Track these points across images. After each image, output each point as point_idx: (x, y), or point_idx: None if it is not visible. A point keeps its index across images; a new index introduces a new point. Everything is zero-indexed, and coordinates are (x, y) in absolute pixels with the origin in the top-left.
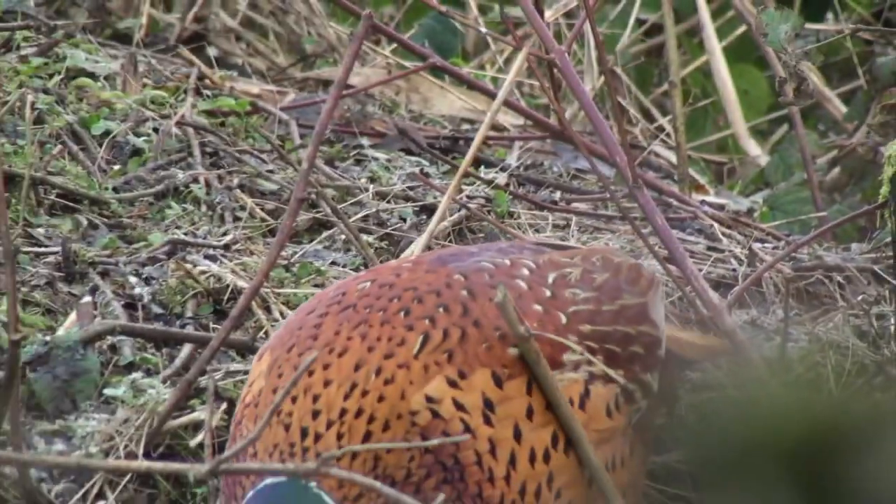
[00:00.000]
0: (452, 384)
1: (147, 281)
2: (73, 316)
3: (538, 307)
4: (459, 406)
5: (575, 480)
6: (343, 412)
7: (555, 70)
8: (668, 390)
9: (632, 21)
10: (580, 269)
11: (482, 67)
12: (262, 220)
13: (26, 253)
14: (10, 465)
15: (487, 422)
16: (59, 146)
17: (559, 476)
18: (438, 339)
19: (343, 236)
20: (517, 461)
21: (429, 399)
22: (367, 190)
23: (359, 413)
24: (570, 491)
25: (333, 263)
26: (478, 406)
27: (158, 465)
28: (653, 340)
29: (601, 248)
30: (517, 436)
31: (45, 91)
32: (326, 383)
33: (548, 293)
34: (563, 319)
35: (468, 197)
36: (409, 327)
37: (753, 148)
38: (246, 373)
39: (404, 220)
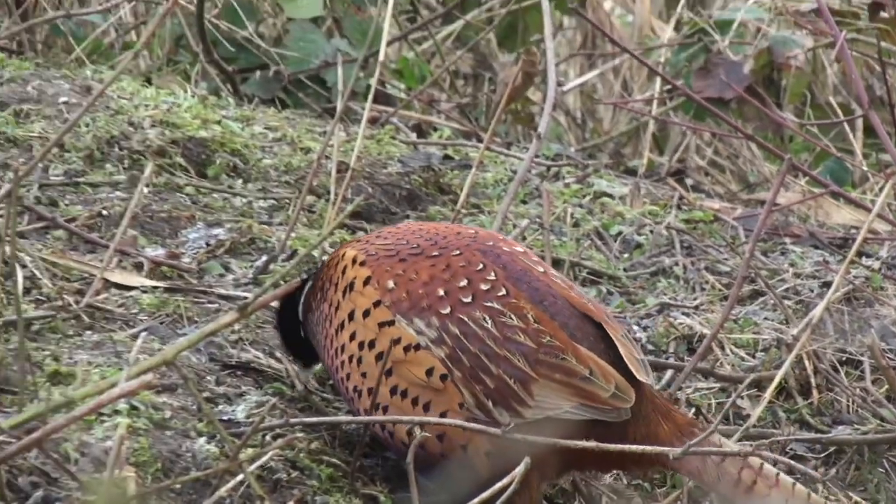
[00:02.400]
0: (361, 262)
1: (644, 329)
2: None
3: (446, 288)
4: (343, 273)
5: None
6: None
7: None
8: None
9: None
10: (542, 317)
11: (864, 192)
12: (719, 290)
13: None
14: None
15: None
16: (589, 241)
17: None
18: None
19: (772, 301)
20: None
21: (344, 255)
22: (787, 271)
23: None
24: (354, 380)
25: (766, 318)
26: (349, 280)
27: (635, 448)
28: (515, 397)
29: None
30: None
31: (580, 206)
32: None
33: (503, 291)
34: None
35: (853, 276)
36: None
37: None
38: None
39: (812, 291)
